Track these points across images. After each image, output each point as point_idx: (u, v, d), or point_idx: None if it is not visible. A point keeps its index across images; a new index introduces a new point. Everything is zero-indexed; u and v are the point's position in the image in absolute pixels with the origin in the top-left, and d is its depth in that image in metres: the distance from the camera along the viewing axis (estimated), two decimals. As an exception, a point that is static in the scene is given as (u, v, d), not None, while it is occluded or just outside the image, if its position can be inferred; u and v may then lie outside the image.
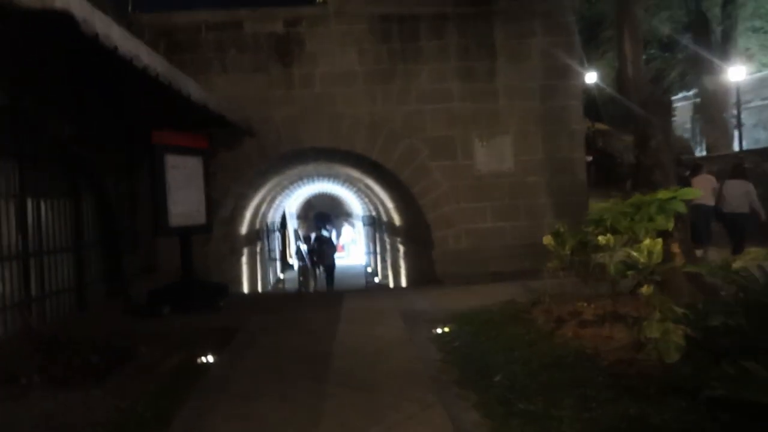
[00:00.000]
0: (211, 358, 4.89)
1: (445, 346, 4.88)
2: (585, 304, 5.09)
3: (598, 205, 5.45)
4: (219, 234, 9.61)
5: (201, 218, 7.46)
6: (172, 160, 6.94)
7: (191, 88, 5.93)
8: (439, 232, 9.11)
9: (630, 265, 4.38)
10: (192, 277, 7.29)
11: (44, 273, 6.54)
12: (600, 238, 4.72)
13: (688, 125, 18.69)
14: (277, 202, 17.86)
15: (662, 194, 5.04)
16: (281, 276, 20.64)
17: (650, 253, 4.27)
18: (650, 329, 3.41)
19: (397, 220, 12.89)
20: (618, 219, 5.14)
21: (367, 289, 9.83)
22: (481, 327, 5.24)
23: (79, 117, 6.80)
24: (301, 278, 14.40)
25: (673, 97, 19.64)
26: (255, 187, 11.43)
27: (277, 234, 21.38)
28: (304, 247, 16.10)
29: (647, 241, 4.38)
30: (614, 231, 5.21)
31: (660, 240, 4.37)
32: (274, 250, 18.22)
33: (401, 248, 12.93)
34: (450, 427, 3.30)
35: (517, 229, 9.21)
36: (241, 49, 8.91)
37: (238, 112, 8.45)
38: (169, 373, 4.65)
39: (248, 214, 12.62)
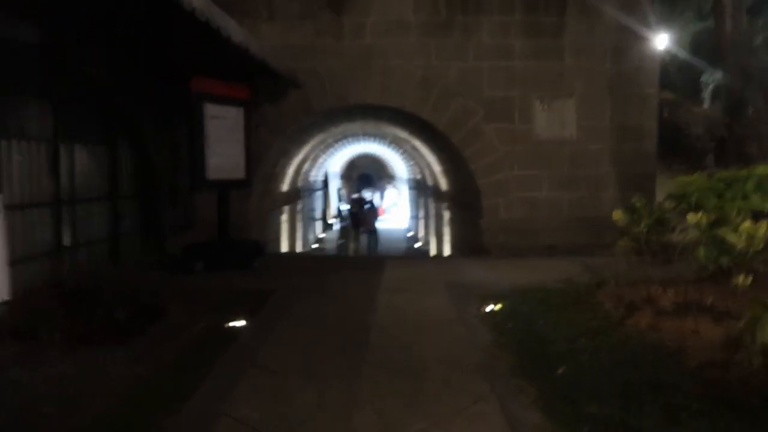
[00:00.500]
0: (240, 325, 4.51)
1: (497, 327, 4.36)
2: (660, 290, 4.47)
3: (681, 179, 4.77)
4: (259, 191, 9.24)
5: (240, 173, 7.06)
6: (211, 110, 6.52)
7: (231, 28, 5.43)
8: (490, 199, 8.51)
9: (724, 249, 3.74)
10: (228, 235, 6.94)
11: (76, 222, 6.28)
12: (690, 216, 4.08)
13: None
14: (320, 160, 17.44)
15: (762, 169, 4.34)
16: (321, 236, 20.40)
17: (750, 237, 3.62)
18: (764, 332, 2.80)
19: (443, 184, 12.31)
20: (706, 196, 4.48)
21: (409, 256, 9.35)
22: (537, 307, 4.69)
23: (117, 59, 6.42)
24: (341, 240, 13.98)
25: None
26: (298, 144, 10.99)
27: (320, 193, 21.07)
28: (345, 208, 15.78)
29: (746, 224, 3.73)
30: (699, 209, 4.55)
31: (765, 223, 3.71)
32: (315, 210, 17.90)
33: (446, 214, 12.37)
34: (507, 430, 2.81)
35: (575, 201, 8.53)
36: (289, -6, 8.34)
37: (284, 61, 7.95)
38: (195, 338, 4.30)
39: (290, 172, 12.23)
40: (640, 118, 8.55)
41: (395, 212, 28.64)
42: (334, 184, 24.91)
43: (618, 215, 4.91)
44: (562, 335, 3.92)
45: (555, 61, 8.40)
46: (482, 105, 8.41)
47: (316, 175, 18.77)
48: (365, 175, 39.70)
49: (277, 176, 10.68)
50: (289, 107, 8.45)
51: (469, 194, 9.24)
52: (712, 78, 20.18)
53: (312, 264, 7.37)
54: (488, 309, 4.87)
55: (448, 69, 8.39)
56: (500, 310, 4.81)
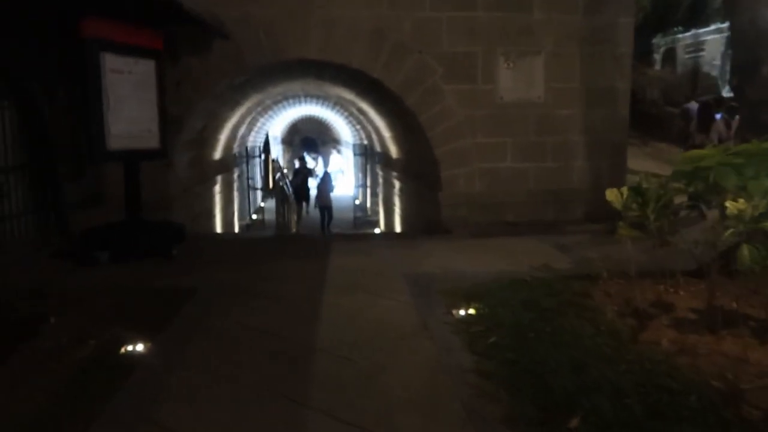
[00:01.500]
0: (140, 347, 3.41)
1: (476, 342, 3.43)
2: (671, 289, 3.64)
3: (690, 154, 3.90)
4: (184, 160, 7.97)
5: (153, 140, 5.81)
6: (112, 62, 5.21)
7: None
8: (448, 170, 7.55)
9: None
10: (140, 216, 5.72)
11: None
12: (729, 204, 3.22)
13: (717, 62, 16.90)
14: (258, 124, 16.03)
15: (796, 141, 3.51)
16: (262, 205, 19.08)
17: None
18: None
19: (394, 152, 11.27)
20: (724, 174, 3.62)
21: (358, 235, 8.27)
22: (522, 313, 3.79)
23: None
24: (279, 219, 12.59)
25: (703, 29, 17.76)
26: (231, 106, 9.67)
27: (259, 160, 19.66)
28: (284, 179, 14.52)
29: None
30: (714, 190, 3.72)
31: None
32: (255, 179, 16.55)
33: (397, 184, 11.38)
34: None
35: (542, 172, 7.68)
36: (212, -76, 6.96)
37: (207, 5, 6.64)
38: (75, 367, 3.18)
39: (223, 137, 10.90)
40: (612, 80, 7.71)
41: (341, 179, 27.47)
42: (276, 150, 23.52)
43: (614, 196, 4.02)
44: (564, 359, 3.02)
45: (522, 13, 7.40)
46: (441, 62, 7.36)
47: (254, 141, 17.35)
48: (308, 138, 38.14)
49: (206, 142, 9.38)
50: (217, 62, 7.16)
51: (424, 164, 8.26)
52: (663, 41, 19.77)
53: (244, 249, 6.25)
54: (461, 313, 3.94)
55: (402, 20, 7.27)
56: (476, 314, 3.89)
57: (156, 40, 5.77)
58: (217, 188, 11.06)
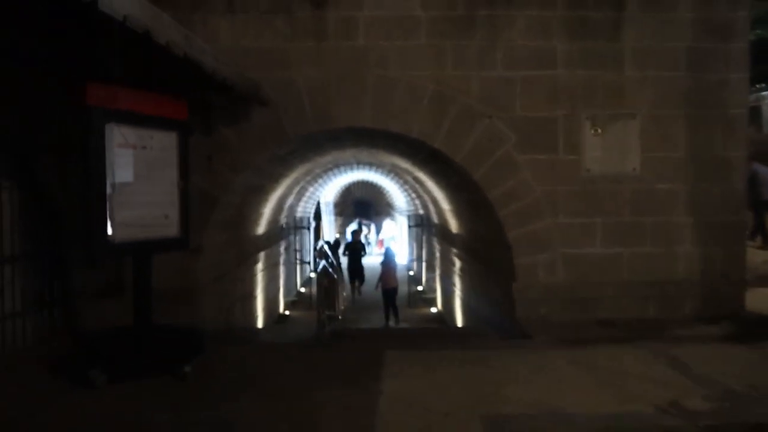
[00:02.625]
0: None
1: None
2: None
3: None
4: (218, 241, 7.00)
5: (171, 227, 4.82)
6: (121, 134, 4.30)
7: (171, 32, 3.28)
8: (524, 257, 6.27)
9: None
10: (148, 320, 4.66)
11: None
12: None
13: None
14: (308, 193, 15.25)
15: None
16: (312, 275, 18.01)
17: None
18: None
19: (454, 226, 10.08)
20: None
21: (418, 336, 6.76)
22: None
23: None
24: (321, 316, 10.05)
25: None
26: (275, 178, 8.78)
27: (310, 228, 18.84)
28: (330, 261, 13.22)
29: None
30: None
31: None
32: (303, 250, 15.60)
33: (457, 263, 10.13)
34: None
35: (641, 259, 6.30)
36: (254, -19, 6.20)
37: (243, 70, 5.80)
38: None
39: (267, 211, 10.01)
40: (724, 147, 6.36)
41: (394, 246, 26.39)
42: (327, 219, 22.76)
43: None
44: None
45: (611, 71, 6.24)
46: (515, 129, 6.23)
47: (304, 210, 16.56)
48: (361, 202, 37.57)
49: (246, 219, 8.45)
50: (255, 132, 6.26)
51: (494, 247, 7.02)
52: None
53: (274, 361, 5.05)
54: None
55: (468, 81, 6.23)
56: None
57: (179, 108, 4.86)
58: (260, 266, 10.08)
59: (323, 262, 8.85)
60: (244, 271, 8.72)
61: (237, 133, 6.25)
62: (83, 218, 4.22)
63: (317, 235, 21.69)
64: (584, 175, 6.25)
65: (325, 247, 12.66)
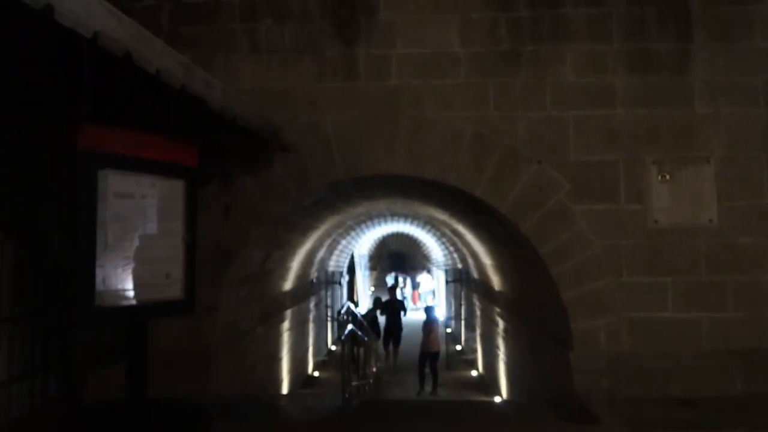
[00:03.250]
0: None
1: None
2: None
3: None
4: (236, 298, 6.36)
5: (174, 288, 4.17)
6: (117, 183, 3.74)
7: (165, 59, 2.74)
8: (583, 321, 5.42)
9: None
10: (144, 398, 3.97)
11: None
12: None
13: None
14: (340, 246, 14.64)
15: None
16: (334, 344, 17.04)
17: None
18: None
19: (496, 283, 9.24)
20: None
21: (458, 412, 5.76)
22: None
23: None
24: (349, 386, 7.37)
25: None
26: (302, 231, 8.18)
27: (342, 283, 18.14)
28: (357, 310, 12.29)
29: None
30: None
31: None
32: (335, 306, 14.85)
33: (501, 323, 9.23)
34: None
35: (722, 325, 5.37)
36: (280, 18, 5.74)
37: (267, 113, 5.27)
38: None
39: (295, 265, 9.38)
40: (816, 195, 5.49)
41: (431, 301, 25.41)
42: (361, 273, 22.06)
43: None
44: None
45: (678, 108, 5.50)
46: (568, 176, 5.50)
47: (337, 263, 15.92)
48: (397, 254, 36.77)
49: (270, 274, 7.81)
50: (278, 181, 5.68)
51: (545, 308, 6.18)
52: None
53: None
54: None
55: (513, 123, 5.56)
56: None
57: (188, 153, 4.30)
58: (286, 324, 9.38)
59: (350, 327, 7.99)
60: (267, 330, 8.03)
61: (258, 182, 5.68)
62: (68, 278, 3.62)
63: (351, 290, 20.97)
64: (651, 227, 5.43)
65: (352, 307, 11.60)
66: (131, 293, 3.85)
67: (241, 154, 5.64)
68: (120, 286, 3.78)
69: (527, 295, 7.13)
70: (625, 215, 5.46)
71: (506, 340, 8.88)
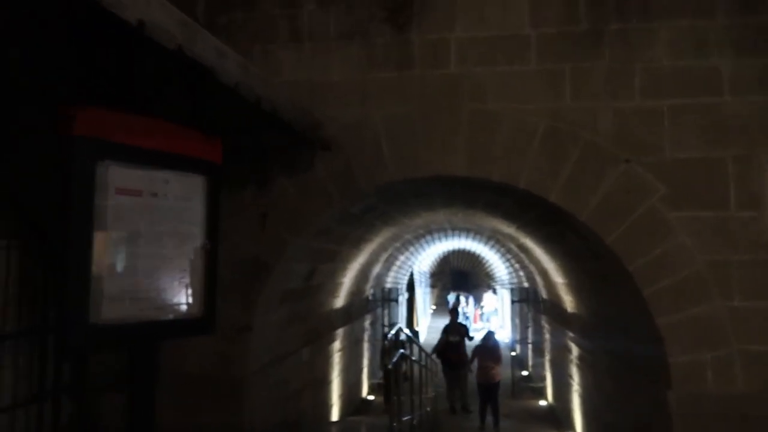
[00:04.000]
0: None
1: None
2: None
3: None
4: (275, 317, 5.73)
5: (190, 305, 3.54)
6: (119, 176, 3.15)
7: (153, 11, 2.14)
8: (684, 354, 4.43)
9: None
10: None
11: None
12: None
13: None
14: (398, 262, 13.91)
15: None
16: (402, 351, 16.33)
17: None
18: None
19: (569, 304, 8.24)
20: None
21: None
22: None
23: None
24: (399, 424, 6.27)
25: None
26: (353, 242, 7.50)
27: (402, 300, 17.38)
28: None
29: None
30: None
31: None
32: (392, 326, 14.07)
33: (575, 350, 8.20)
34: None
35: None
36: (324, 2, 5.13)
37: (309, 107, 4.66)
38: None
39: (347, 281, 8.71)
40: None
41: (495, 321, 24.25)
42: (422, 291, 21.22)
43: None
44: None
45: (803, 95, 4.49)
46: (663, 177, 4.56)
47: (396, 280, 15.19)
48: (459, 272, 35.63)
49: (317, 291, 7.15)
50: (319, 184, 5.01)
51: (634, 336, 5.21)
52: None
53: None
54: None
55: (594, 114, 4.69)
56: None
57: (209, 146, 3.69)
58: (337, 345, 8.70)
59: (400, 351, 7.03)
60: (314, 352, 7.35)
61: (298, 186, 5.04)
62: (60, 291, 3.04)
63: (410, 308, 20.17)
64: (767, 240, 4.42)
65: (405, 332, 9.30)
66: (135, 309, 3.23)
67: (280, 154, 5.02)
68: (122, 301, 3.17)
69: (609, 319, 6.15)
70: (736, 225, 4.46)
71: (581, 369, 7.85)
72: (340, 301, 8.77)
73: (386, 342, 5.83)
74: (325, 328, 7.91)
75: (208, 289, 3.60)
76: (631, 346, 5.39)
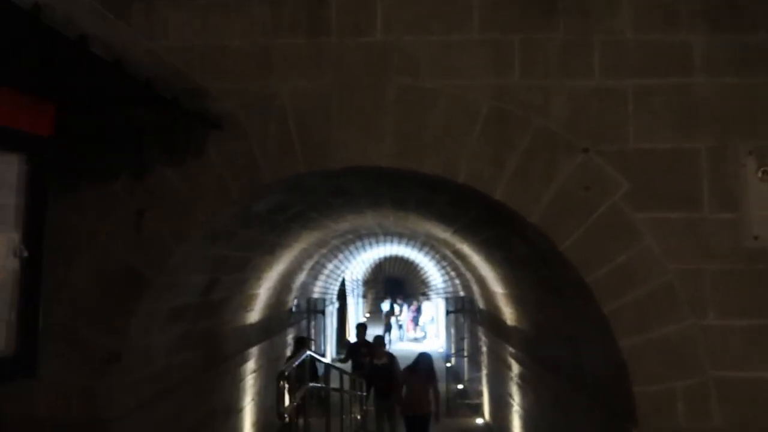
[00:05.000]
0: None
1: None
2: None
3: None
4: (159, 340, 4.65)
5: (-4, 336, 2.46)
6: None
7: None
8: (650, 382, 3.68)
9: None
10: None
11: None
12: None
13: None
14: (327, 270, 12.92)
15: None
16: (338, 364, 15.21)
17: None
18: None
19: (510, 316, 7.51)
20: None
21: None
22: None
23: None
24: None
25: None
26: (266, 249, 6.48)
27: (332, 310, 16.39)
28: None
29: None
30: None
31: None
32: (322, 338, 13.06)
33: (515, 367, 7.46)
34: None
35: None
36: (220, -50, 4.13)
37: (203, 78, 3.67)
38: None
39: (263, 292, 7.66)
40: None
41: (432, 330, 23.60)
42: (354, 300, 20.29)
43: None
44: None
45: (784, 77, 3.85)
46: (626, 170, 3.82)
47: (325, 290, 14.18)
48: (393, 280, 34.84)
49: (221, 306, 6.07)
50: (211, 174, 4.00)
51: (589, 359, 4.46)
52: None
53: None
54: None
55: (547, 95, 3.90)
56: None
57: (34, 114, 2.62)
58: (251, 365, 7.64)
59: (309, 385, 5.74)
60: (219, 376, 6.27)
61: (185, 177, 4.00)
62: None
63: (342, 318, 19.20)
64: (749, 246, 3.73)
65: (321, 359, 8.20)
66: None
67: (163, 136, 3.98)
68: None
69: (556, 335, 5.40)
70: (710, 228, 3.76)
71: (523, 389, 7.11)
72: (254, 316, 7.71)
73: (282, 382, 4.74)
74: (234, 348, 6.83)
75: (24, 314, 2.53)
76: (583, 369, 4.64)
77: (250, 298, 7.19)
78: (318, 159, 4.00)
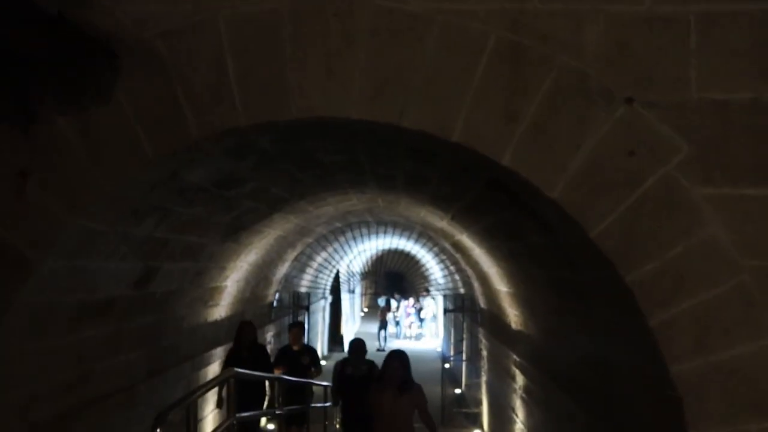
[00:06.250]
0: None
1: None
2: None
3: None
4: (63, 344, 3.62)
5: None
6: None
7: None
8: (713, 426, 2.63)
9: None
10: None
11: None
12: None
13: None
14: (317, 261, 11.91)
15: None
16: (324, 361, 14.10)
17: None
18: None
19: (515, 319, 6.45)
20: None
21: None
22: None
23: None
24: None
25: None
26: (225, 234, 5.43)
27: (324, 305, 15.39)
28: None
29: None
30: None
31: None
32: (310, 334, 12.01)
33: (520, 379, 6.40)
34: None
35: None
36: None
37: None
38: None
39: (230, 284, 6.63)
40: None
41: (432, 328, 22.58)
42: (348, 292, 19.28)
43: None
44: None
45: None
46: (686, 129, 2.75)
47: (314, 284, 13.17)
48: (394, 273, 33.78)
49: (171, 300, 5.04)
50: (120, 127, 2.95)
51: (623, 386, 3.41)
52: None
53: None
54: None
55: (577, 22, 2.83)
56: None
57: None
58: (214, 369, 6.62)
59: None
60: (166, 383, 5.25)
61: (84, 130, 2.96)
62: None
63: (336, 313, 18.21)
64: None
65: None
66: None
67: (56, 75, 2.93)
68: None
69: (575, 349, 4.34)
70: (801, 210, 2.70)
71: (529, 405, 6.06)
72: (221, 311, 6.70)
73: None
74: (191, 349, 5.82)
75: None
76: (613, 398, 3.59)
77: (213, 292, 6.17)
78: (264, 108, 2.95)
